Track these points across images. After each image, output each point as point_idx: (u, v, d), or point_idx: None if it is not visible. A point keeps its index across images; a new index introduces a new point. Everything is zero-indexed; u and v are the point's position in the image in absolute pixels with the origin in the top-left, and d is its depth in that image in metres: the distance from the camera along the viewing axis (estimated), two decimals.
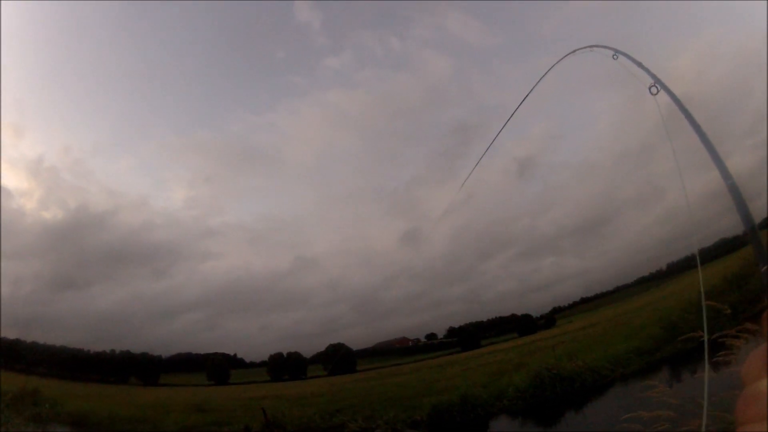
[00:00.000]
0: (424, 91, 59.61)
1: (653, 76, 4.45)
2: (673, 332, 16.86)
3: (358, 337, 41.79)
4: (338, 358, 37.67)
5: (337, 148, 61.40)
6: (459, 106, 59.10)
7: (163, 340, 40.47)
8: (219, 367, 37.89)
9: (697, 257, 4.58)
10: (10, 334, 35.65)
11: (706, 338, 4.21)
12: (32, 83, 58.76)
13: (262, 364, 38.89)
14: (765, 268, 2.67)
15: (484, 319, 41.06)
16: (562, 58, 6.81)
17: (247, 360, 39.99)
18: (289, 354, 38.66)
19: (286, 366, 38.13)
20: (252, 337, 43.08)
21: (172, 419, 24.27)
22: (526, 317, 38.56)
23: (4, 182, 49.48)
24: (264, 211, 60.11)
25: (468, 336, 39.76)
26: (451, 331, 41.74)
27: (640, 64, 4.78)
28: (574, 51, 6.65)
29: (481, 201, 52.16)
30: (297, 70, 66.45)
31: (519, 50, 56.63)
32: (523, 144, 54.01)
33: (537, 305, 39.60)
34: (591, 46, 6.32)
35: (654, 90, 4.31)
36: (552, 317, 38.07)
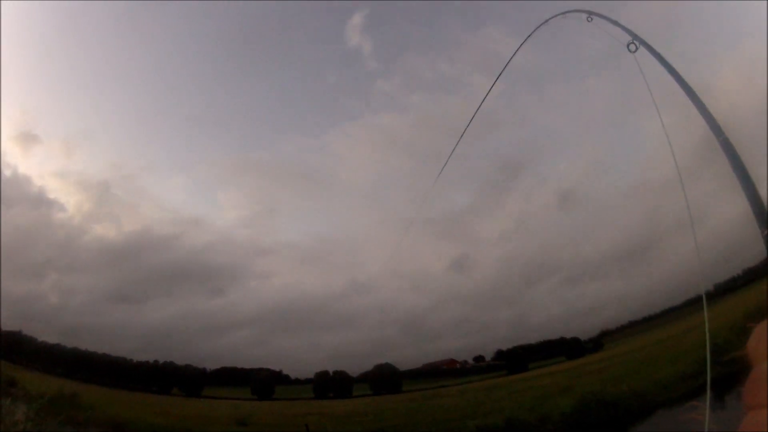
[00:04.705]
0: (476, 115, 59.78)
1: (630, 32, 4.58)
2: (718, 355, 16.51)
3: (405, 358, 41.94)
4: (384, 378, 37.99)
5: (389, 171, 62.53)
6: (508, 129, 59.15)
7: (211, 354, 41.61)
8: (264, 382, 38.44)
9: (704, 299, 4.67)
10: (51, 339, 37.66)
11: (707, 337, 4.40)
12: (85, 102, 63.13)
13: (308, 381, 39.34)
14: (766, 232, 2.82)
15: (533, 342, 40.53)
16: (536, 29, 6.82)
17: (293, 377, 40.60)
18: (335, 372, 39.18)
19: (331, 384, 38.56)
20: (299, 355, 43.88)
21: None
22: (575, 341, 37.82)
23: (55, 196, 52.39)
24: (317, 232, 61.89)
25: (516, 359, 39.28)
26: (500, 354, 41.34)
27: (615, 23, 4.94)
28: (547, 21, 6.66)
29: (528, 229, 51.85)
30: (349, 94, 68.59)
31: (567, 72, 56.39)
32: (567, 172, 53.42)
33: (585, 328, 38.68)
34: (564, 13, 6.24)
35: (632, 47, 4.48)
36: (600, 341, 37.13)
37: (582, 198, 50.62)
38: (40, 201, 48.27)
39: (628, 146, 52.52)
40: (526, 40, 6.81)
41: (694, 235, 4.22)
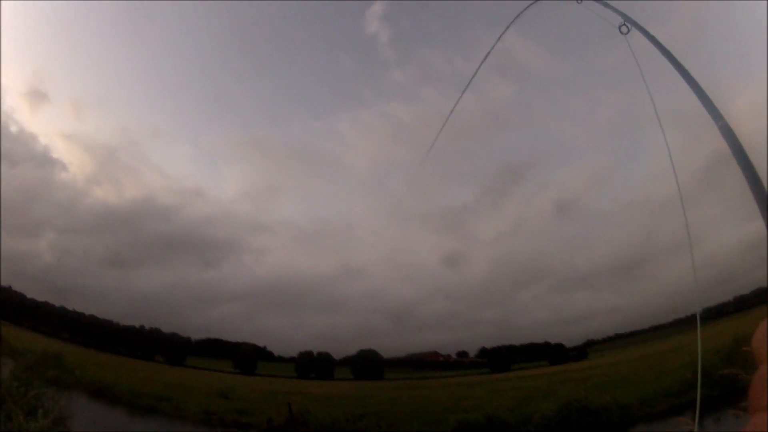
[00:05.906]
0: (485, 115, 59.93)
1: (622, 14, 4.41)
2: (702, 377, 16.89)
3: (390, 346, 42.13)
4: (367, 364, 38.35)
5: (393, 161, 62.39)
6: (517, 132, 59.57)
7: (198, 324, 41.23)
8: (247, 356, 38.47)
9: (698, 318, 4.69)
10: (41, 297, 36.90)
11: (698, 326, 4.43)
12: (99, 67, 62.48)
13: (291, 360, 39.47)
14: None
15: (517, 344, 40.98)
16: (524, 10, 6.38)
17: (276, 354, 40.50)
18: (319, 354, 39.42)
19: (314, 365, 38.85)
20: (285, 333, 43.87)
21: (195, 402, 24.81)
22: (559, 346, 38.26)
23: (59, 156, 51.81)
24: (315, 214, 61.53)
25: (499, 358, 39.71)
26: (483, 352, 41.77)
27: (606, 4, 4.73)
28: (535, 0, 6.29)
29: (523, 233, 52.26)
30: (361, 80, 67.77)
31: (584, 81, 56.55)
32: (569, 180, 53.76)
33: (571, 336, 39.11)
34: None
35: (624, 29, 4.32)
36: (584, 349, 37.58)
37: (581, 208, 50.98)
38: (45, 160, 47.75)
39: (634, 159, 52.73)
40: (513, 21, 6.43)
41: (692, 253, 4.28)
